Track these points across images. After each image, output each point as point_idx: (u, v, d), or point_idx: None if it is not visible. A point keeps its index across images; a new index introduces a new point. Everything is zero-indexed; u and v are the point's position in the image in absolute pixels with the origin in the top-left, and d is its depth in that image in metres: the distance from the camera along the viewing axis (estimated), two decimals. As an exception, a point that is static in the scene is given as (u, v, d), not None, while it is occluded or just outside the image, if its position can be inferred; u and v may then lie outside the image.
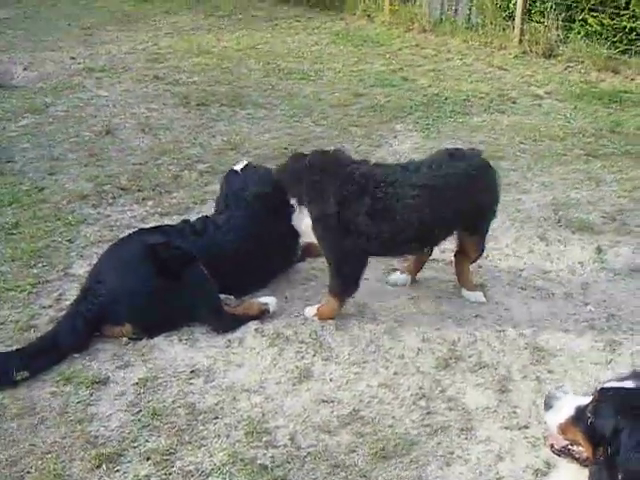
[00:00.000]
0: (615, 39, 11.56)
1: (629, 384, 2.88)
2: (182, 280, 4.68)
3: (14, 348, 4.50)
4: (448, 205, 4.74)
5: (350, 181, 4.73)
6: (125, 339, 4.63)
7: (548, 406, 3.13)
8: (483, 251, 5.28)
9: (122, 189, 6.80)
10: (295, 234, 5.35)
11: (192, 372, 4.41)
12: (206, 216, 5.40)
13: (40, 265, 5.53)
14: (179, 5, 16.24)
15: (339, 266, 4.88)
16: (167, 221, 6.02)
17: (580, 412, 2.96)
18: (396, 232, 4.70)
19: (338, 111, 9.21)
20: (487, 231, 5.20)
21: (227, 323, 4.77)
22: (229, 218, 5.21)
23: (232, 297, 4.99)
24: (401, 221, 4.66)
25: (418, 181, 4.71)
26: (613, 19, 11.72)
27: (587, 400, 2.97)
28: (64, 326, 4.56)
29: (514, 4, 12.61)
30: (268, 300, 4.94)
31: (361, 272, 4.91)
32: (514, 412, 4.11)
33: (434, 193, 4.69)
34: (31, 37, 13.23)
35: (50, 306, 5.04)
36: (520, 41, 12.35)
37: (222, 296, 4.86)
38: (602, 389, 2.94)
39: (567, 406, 3.05)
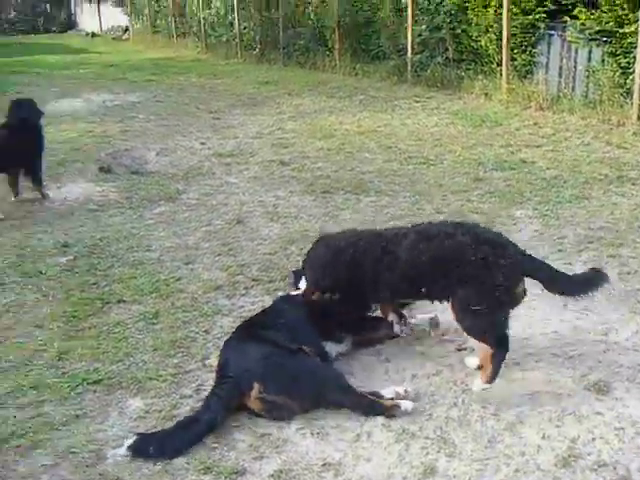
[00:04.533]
0: None
1: None
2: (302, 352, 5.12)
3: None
4: None
5: None
6: (261, 431, 4.84)
7: None
8: None
9: (254, 280, 7.10)
10: None
11: (323, 465, 4.53)
12: None
13: (180, 355, 5.81)
14: (301, 87, 16.93)
15: None
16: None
17: None
18: None
19: (459, 197, 9.41)
20: None
21: (359, 402, 4.94)
22: None
23: None
24: None
25: None
26: None
27: None
28: (202, 409, 4.95)
29: (631, 80, 12.68)
30: (407, 405, 5.01)
31: None
32: (635, 513, 4.15)
33: None
34: (162, 121, 13.97)
35: (190, 396, 5.27)
36: (639, 117, 12.37)
37: None
38: None
39: None
